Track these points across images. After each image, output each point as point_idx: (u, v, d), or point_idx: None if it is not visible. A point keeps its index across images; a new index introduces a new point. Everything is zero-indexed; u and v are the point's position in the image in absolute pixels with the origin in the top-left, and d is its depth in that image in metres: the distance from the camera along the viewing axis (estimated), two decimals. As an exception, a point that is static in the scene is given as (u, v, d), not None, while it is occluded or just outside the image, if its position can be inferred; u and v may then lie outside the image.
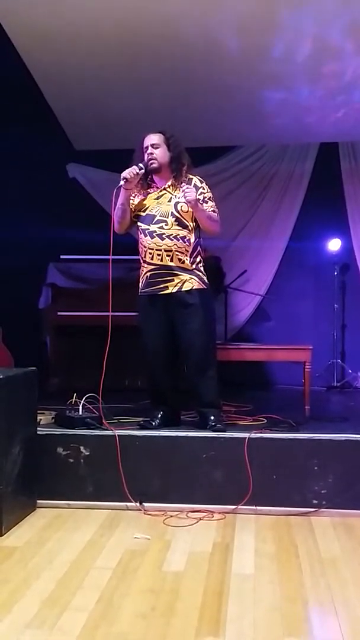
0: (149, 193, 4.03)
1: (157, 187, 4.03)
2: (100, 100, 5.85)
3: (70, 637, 2.25)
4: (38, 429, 3.81)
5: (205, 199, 3.97)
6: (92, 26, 4.77)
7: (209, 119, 6.12)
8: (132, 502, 3.65)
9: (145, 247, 3.95)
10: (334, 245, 6.76)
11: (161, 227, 3.90)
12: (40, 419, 3.98)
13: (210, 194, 4.02)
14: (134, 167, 3.89)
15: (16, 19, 4.74)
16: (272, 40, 4.95)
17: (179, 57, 5.13)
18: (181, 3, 4.53)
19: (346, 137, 6.70)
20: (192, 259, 3.94)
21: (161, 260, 3.90)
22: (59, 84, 5.66)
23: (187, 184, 3.91)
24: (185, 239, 3.91)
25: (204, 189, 4.00)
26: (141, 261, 4.03)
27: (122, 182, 3.87)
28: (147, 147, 3.97)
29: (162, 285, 3.92)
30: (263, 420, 4.20)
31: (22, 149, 6.54)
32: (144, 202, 4.01)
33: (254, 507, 3.62)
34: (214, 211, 3.98)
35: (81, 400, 4.00)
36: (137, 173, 3.89)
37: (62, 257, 6.41)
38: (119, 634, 2.28)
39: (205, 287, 3.98)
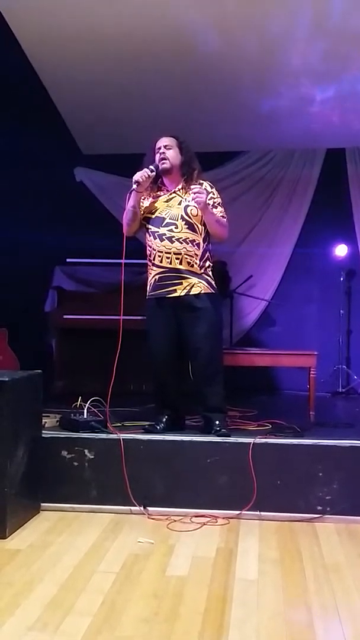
0: (159, 196, 4.04)
1: (168, 190, 4.04)
2: (108, 105, 5.87)
3: (73, 640, 2.25)
4: (43, 432, 3.81)
5: (215, 204, 3.98)
6: (100, 32, 4.78)
7: (216, 124, 6.13)
8: (136, 506, 3.65)
9: (154, 249, 3.95)
10: (340, 250, 6.75)
11: (171, 230, 3.90)
12: (45, 422, 3.98)
13: (219, 200, 4.03)
14: (145, 169, 3.91)
15: (26, 25, 4.76)
16: (279, 45, 4.95)
17: (186, 63, 5.14)
18: (189, 10, 4.54)
19: (353, 143, 6.70)
20: (201, 263, 3.95)
21: (170, 263, 3.90)
22: (67, 89, 5.68)
23: None
24: (194, 243, 3.92)
25: (214, 194, 4.01)
26: (149, 264, 4.03)
27: (134, 186, 3.88)
28: (159, 148, 3.98)
29: (170, 288, 3.92)
30: (268, 426, 4.19)
31: (30, 152, 6.55)
32: (154, 205, 4.01)
33: (258, 513, 3.61)
34: (223, 217, 3.99)
35: (86, 403, 4.00)
36: (149, 175, 3.91)
37: (68, 260, 6.42)
38: (122, 638, 2.27)
39: (213, 291, 3.98)
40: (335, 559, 3.06)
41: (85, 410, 3.99)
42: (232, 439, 3.77)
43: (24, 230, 6.55)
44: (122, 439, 3.74)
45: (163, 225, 3.93)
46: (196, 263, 3.93)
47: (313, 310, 6.91)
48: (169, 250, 3.90)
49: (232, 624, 2.38)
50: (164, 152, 3.97)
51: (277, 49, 5.01)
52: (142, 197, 4.02)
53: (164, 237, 3.91)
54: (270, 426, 4.18)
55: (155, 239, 3.94)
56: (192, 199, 3.84)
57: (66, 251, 6.40)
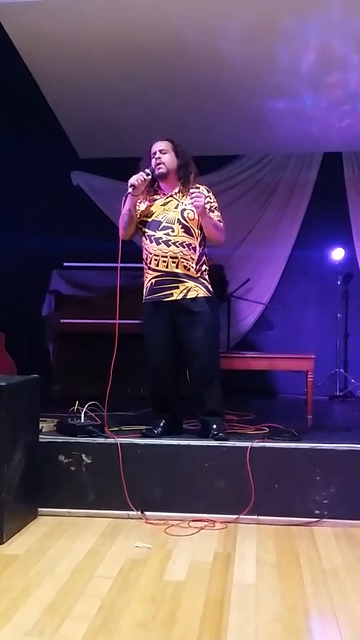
0: (156, 199, 4.03)
1: (164, 194, 4.04)
2: (105, 109, 5.87)
3: (70, 646, 2.25)
4: (40, 436, 3.80)
5: (212, 209, 3.97)
6: (97, 35, 4.79)
7: (213, 128, 6.13)
8: (133, 510, 3.64)
9: (150, 253, 3.95)
10: (337, 254, 6.76)
11: (167, 234, 3.90)
12: (42, 427, 3.97)
13: (216, 204, 4.03)
14: (141, 173, 3.90)
15: (22, 28, 4.76)
16: (276, 49, 4.96)
17: (183, 67, 5.15)
18: (185, 13, 4.54)
19: (350, 147, 6.71)
20: (197, 267, 3.95)
21: (166, 267, 3.90)
22: (64, 92, 5.68)
23: None
24: (191, 247, 3.91)
25: (210, 198, 4.00)
26: (145, 268, 4.03)
27: (130, 189, 3.87)
28: (154, 153, 3.98)
29: (166, 292, 3.91)
30: (265, 430, 4.19)
31: (27, 156, 6.57)
32: (150, 208, 4.01)
33: (255, 517, 3.61)
34: (219, 221, 4.00)
35: (83, 407, 4.00)
36: (145, 179, 3.90)
37: (65, 264, 6.42)
38: (120, 643, 2.27)
39: (210, 295, 3.98)
40: (333, 563, 3.06)
41: (82, 415, 3.98)
42: (229, 443, 3.77)
43: (21, 234, 6.56)
44: (120, 443, 3.73)
45: (159, 228, 3.93)
46: (192, 267, 3.92)
47: (310, 313, 6.92)
48: (165, 254, 3.89)
49: (230, 628, 2.38)
50: (159, 157, 3.96)
51: (275, 54, 5.02)
52: (139, 201, 4.02)
53: (160, 240, 3.91)
54: (268, 430, 4.18)
55: (151, 242, 3.94)
56: (191, 203, 3.84)
57: (63, 255, 6.41)
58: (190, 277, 3.92)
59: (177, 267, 3.90)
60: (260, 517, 3.61)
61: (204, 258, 4.01)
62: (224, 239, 4.07)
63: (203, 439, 3.88)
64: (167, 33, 4.73)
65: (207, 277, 4.01)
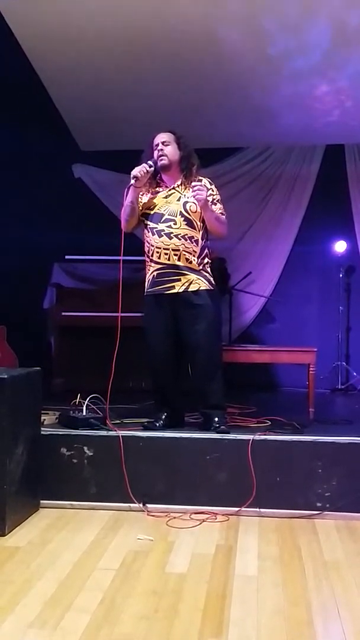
0: (158, 192, 4.02)
1: (167, 186, 4.03)
2: (106, 101, 5.85)
3: (72, 638, 2.25)
4: (42, 429, 3.81)
5: (214, 201, 3.96)
6: (98, 28, 4.77)
7: (215, 120, 6.12)
8: (135, 503, 3.64)
9: (152, 246, 3.94)
10: (340, 247, 6.74)
11: (169, 227, 3.89)
12: (44, 419, 3.98)
13: (218, 197, 4.02)
14: (144, 165, 3.89)
15: (23, 21, 4.75)
16: (279, 41, 4.94)
17: (185, 59, 5.13)
18: (187, 4, 4.52)
19: (352, 139, 6.69)
20: (199, 260, 3.93)
21: (168, 260, 3.89)
22: (65, 85, 5.66)
23: None
24: (193, 239, 3.90)
25: (213, 190, 3.99)
26: (147, 260, 4.02)
27: (132, 181, 3.86)
28: (157, 145, 3.96)
29: (168, 285, 3.90)
30: (267, 423, 4.19)
31: (28, 149, 6.56)
32: (153, 201, 3.99)
33: (257, 510, 3.61)
34: (222, 214, 3.98)
35: (85, 400, 4.00)
36: (147, 171, 3.89)
37: (67, 257, 6.41)
38: (122, 635, 2.27)
39: (212, 288, 3.97)
40: (334, 555, 3.06)
41: (84, 408, 3.98)
42: (231, 436, 3.76)
43: (22, 227, 6.55)
44: (121, 436, 3.73)
45: (162, 221, 3.91)
46: (194, 259, 3.91)
47: (312, 306, 6.90)
48: (167, 247, 3.88)
49: (231, 621, 2.38)
50: (162, 149, 3.95)
51: (276, 45, 4.99)
52: (141, 193, 4.00)
53: (162, 233, 3.89)
54: (270, 423, 4.18)
55: (153, 235, 3.93)
56: (193, 196, 3.83)
57: (65, 248, 6.39)
58: (192, 270, 3.91)
59: (179, 260, 3.88)
60: (262, 510, 3.62)
61: (206, 251, 4.00)
62: (226, 232, 4.07)
63: (205, 431, 3.88)
64: (168, 25, 4.71)
65: (209, 269, 4.00)
